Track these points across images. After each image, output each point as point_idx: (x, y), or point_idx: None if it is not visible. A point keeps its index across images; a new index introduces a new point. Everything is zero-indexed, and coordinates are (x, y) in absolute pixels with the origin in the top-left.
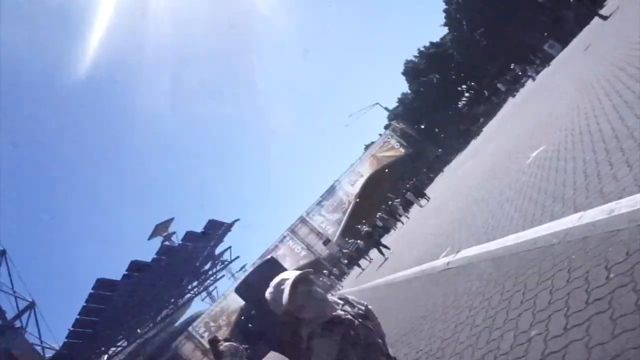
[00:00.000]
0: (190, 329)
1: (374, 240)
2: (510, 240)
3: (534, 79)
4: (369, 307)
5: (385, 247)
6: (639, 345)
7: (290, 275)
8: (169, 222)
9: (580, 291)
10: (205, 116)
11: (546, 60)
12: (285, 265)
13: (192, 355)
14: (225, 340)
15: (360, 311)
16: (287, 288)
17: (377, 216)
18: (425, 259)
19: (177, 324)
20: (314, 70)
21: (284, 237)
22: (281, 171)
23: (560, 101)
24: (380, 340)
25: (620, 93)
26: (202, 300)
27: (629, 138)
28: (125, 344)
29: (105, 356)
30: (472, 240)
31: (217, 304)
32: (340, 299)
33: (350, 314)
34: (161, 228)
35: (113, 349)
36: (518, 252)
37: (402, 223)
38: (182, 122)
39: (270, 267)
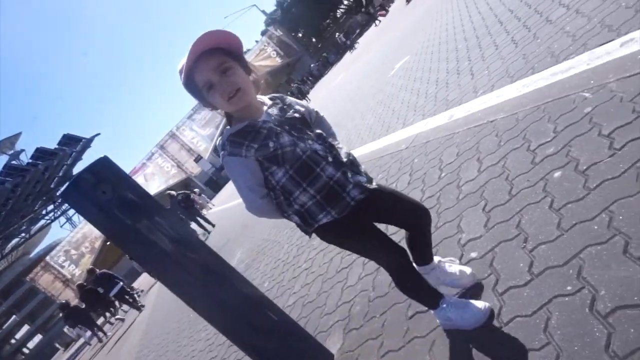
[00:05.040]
0: (48, 258)
1: None
2: (367, 148)
3: None
4: (317, 110)
5: None
6: (454, 234)
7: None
8: (15, 137)
9: (417, 191)
10: (58, 17)
11: None
12: (154, 184)
13: (51, 287)
14: None
15: (296, 114)
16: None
17: None
18: None
19: (32, 254)
20: None
21: (152, 154)
22: (148, 79)
23: (428, 12)
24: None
25: (477, 5)
26: (61, 226)
27: (477, 48)
28: None
29: None
30: None
31: (78, 230)
32: (272, 97)
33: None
34: (6, 144)
35: None
36: (371, 159)
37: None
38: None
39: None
